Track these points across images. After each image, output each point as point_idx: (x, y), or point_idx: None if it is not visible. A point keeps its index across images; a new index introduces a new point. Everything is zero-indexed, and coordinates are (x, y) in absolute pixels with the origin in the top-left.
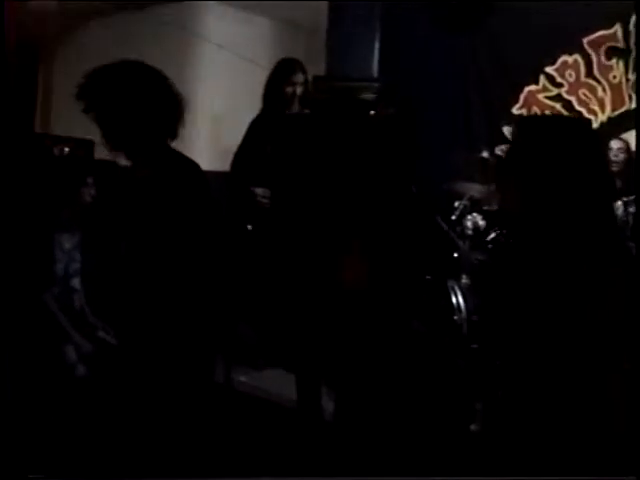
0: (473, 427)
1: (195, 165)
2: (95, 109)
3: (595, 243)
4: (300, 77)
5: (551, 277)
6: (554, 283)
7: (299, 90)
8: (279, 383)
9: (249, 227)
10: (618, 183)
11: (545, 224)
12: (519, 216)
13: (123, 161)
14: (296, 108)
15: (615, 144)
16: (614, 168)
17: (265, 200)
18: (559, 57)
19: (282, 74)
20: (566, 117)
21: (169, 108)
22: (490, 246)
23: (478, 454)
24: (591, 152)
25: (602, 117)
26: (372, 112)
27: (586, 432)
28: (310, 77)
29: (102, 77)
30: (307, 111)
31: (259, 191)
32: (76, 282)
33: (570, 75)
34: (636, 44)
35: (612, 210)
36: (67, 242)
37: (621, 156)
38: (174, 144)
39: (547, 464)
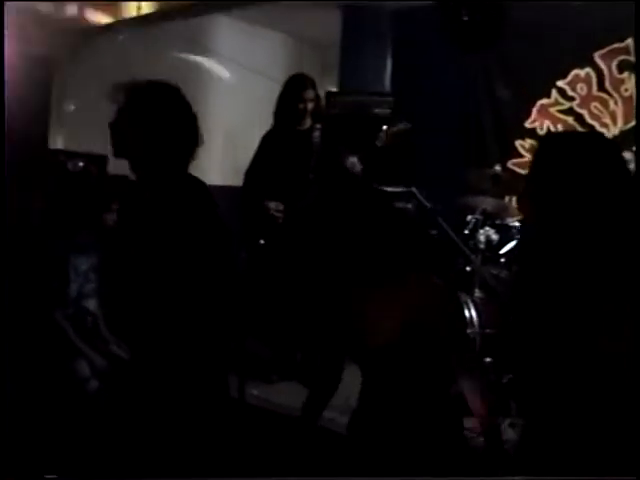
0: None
1: (202, 184)
2: (120, 123)
3: (619, 257)
4: (311, 93)
5: (572, 289)
6: (575, 295)
7: (310, 106)
8: (292, 397)
9: (262, 242)
10: None
11: (571, 237)
12: (547, 230)
13: (134, 178)
14: (308, 123)
15: (626, 156)
16: None
17: (278, 214)
18: (571, 70)
19: (293, 90)
20: (589, 133)
21: (189, 140)
22: (503, 260)
23: (479, 454)
24: (616, 166)
25: (614, 130)
26: (384, 127)
27: (586, 432)
28: (323, 92)
29: (138, 92)
30: (319, 126)
31: (272, 205)
32: (90, 301)
33: (582, 88)
34: (636, 48)
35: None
36: (83, 261)
37: (631, 168)
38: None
39: (547, 464)
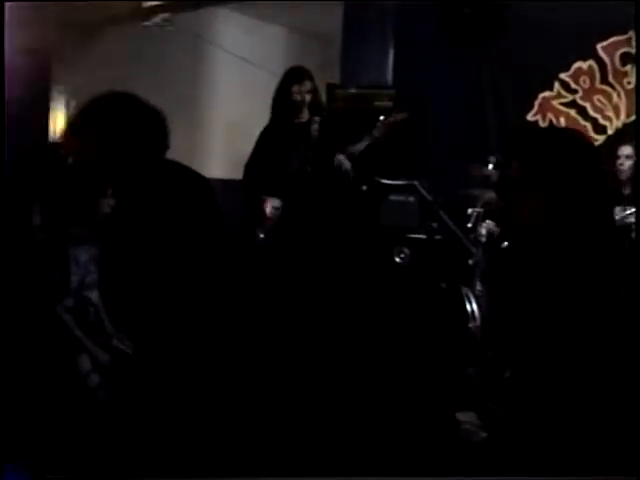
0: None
1: (197, 175)
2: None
3: (601, 251)
4: (308, 85)
5: (558, 283)
6: (560, 289)
7: (307, 98)
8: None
9: (261, 235)
10: (627, 190)
11: (547, 234)
12: (523, 226)
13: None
14: (305, 116)
15: (623, 151)
16: (620, 176)
17: (275, 211)
18: (573, 63)
19: (290, 82)
20: (562, 129)
21: (152, 126)
22: (504, 253)
23: (479, 454)
24: (587, 163)
25: (617, 123)
26: (382, 117)
27: (586, 432)
28: (324, 85)
29: (88, 114)
30: (317, 119)
31: (269, 202)
32: (92, 292)
33: (584, 81)
34: (636, 46)
35: (612, 219)
36: (82, 252)
37: (627, 163)
38: (182, 154)
39: (547, 464)
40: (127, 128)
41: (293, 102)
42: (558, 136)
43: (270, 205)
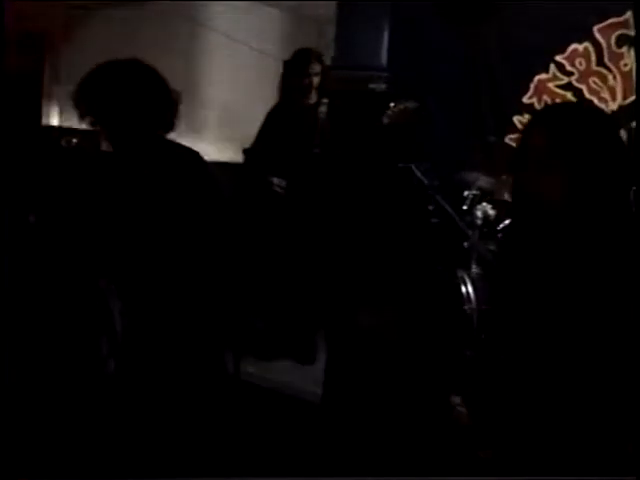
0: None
1: (196, 154)
2: (91, 113)
3: (611, 233)
4: (316, 67)
5: (566, 267)
6: (569, 272)
7: (316, 80)
8: (288, 374)
9: (262, 216)
10: None
11: (561, 213)
12: (534, 206)
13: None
14: (313, 98)
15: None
16: None
17: (280, 190)
18: (569, 45)
19: (299, 64)
20: (581, 105)
21: (161, 102)
22: (500, 235)
23: (478, 452)
24: (609, 139)
25: (613, 106)
26: (392, 104)
27: (587, 432)
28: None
29: (94, 81)
30: (325, 101)
31: (275, 181)
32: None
33: (580, 63)
34: (635, 41)
35: (629, 200)
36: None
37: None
38: (176, 136)
39: (547, 464)
40: (141, 97)
41: (302, 84)
42: (588, 111)
43: (275, 185)
